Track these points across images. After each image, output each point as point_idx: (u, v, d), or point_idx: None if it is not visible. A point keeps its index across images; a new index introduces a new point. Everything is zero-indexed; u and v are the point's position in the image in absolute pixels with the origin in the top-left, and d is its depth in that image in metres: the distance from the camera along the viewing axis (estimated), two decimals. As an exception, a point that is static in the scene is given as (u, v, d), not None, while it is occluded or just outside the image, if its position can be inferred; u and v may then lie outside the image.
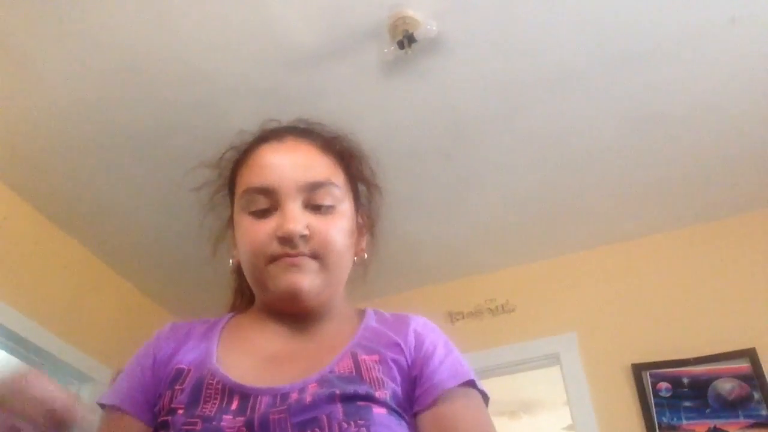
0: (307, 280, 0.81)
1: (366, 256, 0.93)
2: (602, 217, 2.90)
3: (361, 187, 0.97)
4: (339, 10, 1.95)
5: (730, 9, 1.97)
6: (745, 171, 2.63)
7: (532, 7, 1.95)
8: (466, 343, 3.28)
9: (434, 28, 1.96)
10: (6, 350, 2.55)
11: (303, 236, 0.81)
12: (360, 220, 0.93)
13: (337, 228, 0.84)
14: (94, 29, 1.98)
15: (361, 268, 0.93)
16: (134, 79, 2.15)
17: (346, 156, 0.93)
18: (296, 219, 0.81)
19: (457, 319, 3.11)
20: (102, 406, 0.83)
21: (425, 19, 1.95)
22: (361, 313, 0.90)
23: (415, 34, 1.95)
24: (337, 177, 0.88)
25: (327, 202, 0.84)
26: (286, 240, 0.80)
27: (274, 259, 0.81)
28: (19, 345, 2.49)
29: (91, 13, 1.93)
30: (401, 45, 1.97)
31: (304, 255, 0.81)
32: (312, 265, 0.81)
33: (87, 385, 2.76)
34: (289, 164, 0.85)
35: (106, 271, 3.01)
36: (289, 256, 0.80)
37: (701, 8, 1.97)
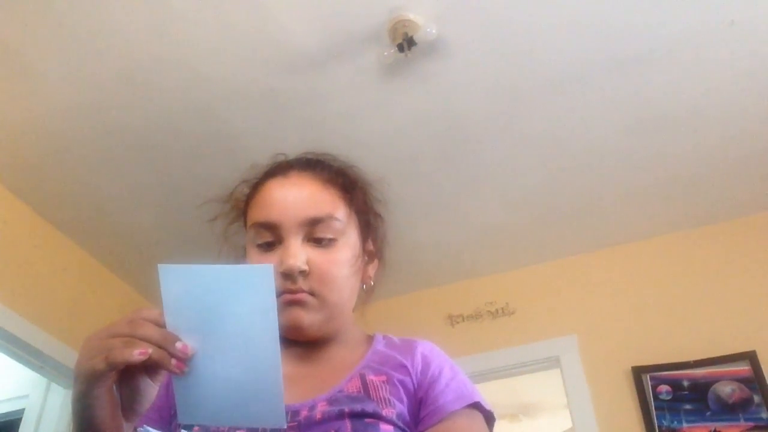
0: (307, 316, 0.84)
1: (373, 282, 0.96)
2: (602, 220, 2.90)
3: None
4: (339, 14, 1.95)
5: (729, 12, 1.98)
6: (745, 174, 2.63)
7: (532, 10, 1.96)
8: (466, 346, 3.28)
9: (434, 31, 1.96)
10: (6, 353, 2.55)
11: (302, 272, 0.83)
12: (369, 248, 0.96)
13: (337, 262, 0.87)
14: (94, 33, 1.98)
15: (367, 293, 0.96)
16: (134, 83, 2.15)
17: (351, 188, 0.94)
18: (296, 255, 0.83)
19: (457, 322, 3.11)
20: None
21: (425, 23, 1.95)
22: (370, 338, 0.93)
23: (414, 38, 1.95)
24: (339, 210, 0.90)
25: (328, 235, 0.87)
26: (287, 275, 0.83)
27: (278, 294, 0.83)
28: (18, 348, 2.49)
29: (91, 17, 1.93)
30: (401, 48, 1.97)
31: (303, 292, 0.84)
32: (312, 301, 0.84)
33: (86, 388, 2.75)
34: (291, 200, 0.88)
35: (105, 273, 3.01)
36: (290, 292, 0.83)
37: (701, 11, 1.97)
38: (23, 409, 2.81)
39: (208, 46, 2.04)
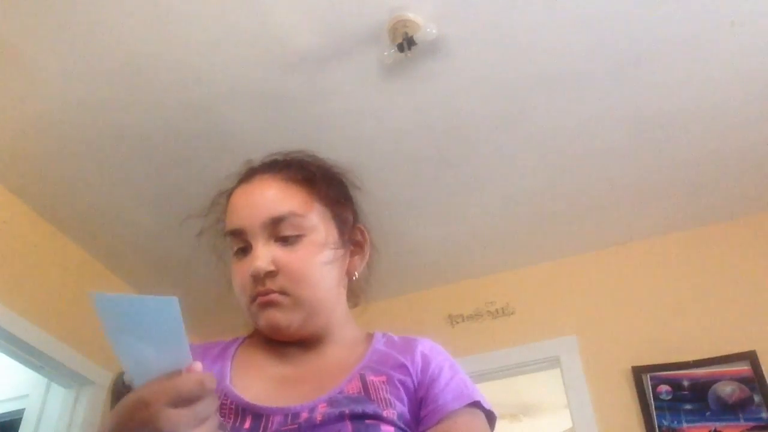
0: (283, 316, 0.85)
1: (357, 275, 0.95)
2: (602, 220, 2.90)
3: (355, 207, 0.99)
4: (339, 13, 1.95)
5: (730, 12, 1.98)
6: (745, 174, 2.64)
7: (532, 9, 1.96)
8: (466, 346, 3.27)
9: (434, 30, 1.96)
10: (6, 353, 2.55)
11: (270, 272, 0.84)
12: (348, 239, 0.94)
13: (305, 256, 0.87)
14: (94, 33, 1.98)
15: (359, 285, 0.96)
16: (134, 82, 2.15)
17: (314, 181, 0.94)
18: (260, 257, 0.85)
19: (457, 322, 3.11)
20: None
21: (425, 22, 1.95)
22: (369, 336, 0.93)
23: (414, 37, 1.95)
24: (303, 206, 0.90)
25: (293, 232, 0.87)
26: (256, 278, 0.84)
27: (254, 298, 0.86)
28: (18, 348, 2.49)
29: (91, 16, 1.93)
30: (401, 48, 1.97)
31: (274, 292, 0.84)
32: (284, 300, 0.84)
33: (86, 388, 2.75)
34: (252, 204, 0.90)
35: (105, 273, 3.00)
36: (262, 294, 0.84)
37: (701, 11, 1.97)
38: (23, 409, 2.80)
39: (208, 45, 2.04)
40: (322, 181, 0.95)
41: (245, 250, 0.88)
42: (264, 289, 0.84)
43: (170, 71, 2.11)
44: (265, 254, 0.85)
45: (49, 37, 1.99)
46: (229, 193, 0.96)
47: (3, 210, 2.52)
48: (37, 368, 2.64)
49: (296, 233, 0.87)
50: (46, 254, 2.70)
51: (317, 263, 0.87)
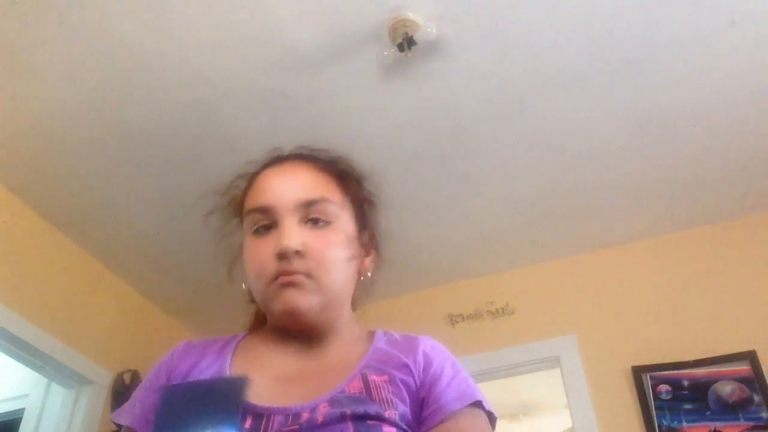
0: (304, 298, 0.83)
1: (370, 274, 0.95)
2: (602, 220, 2.90)
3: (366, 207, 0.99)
4: (339, 13, 1.95)
5: (729, 12, 1.98)
6: (745, 174, 2.63)
7: (532, 9, 1.96)
8: (467, 345, 3.27)
9: (434, 30, 1.96)
10: (5, 353, 2.55)
11: (298, 252, 0.83)
12: (365, 239, 0.95)
13: (333, 244, 0.87)
14: (94, 32, 1.98)
15: (365, 288, 0.96)
16: (134, 82, 2.15)
17: (345, 177, 0.95)
18: (291, 235, 0.84)
19: (457, 322, 3.11)
20: (117, 425, 0.86)
21: (425, 22, 1.95)
22: (371, 335, 0.92)
23: (414, 37, 1.95)
24: (334, 195, 0.91)
25: (323, 217, 0.87)
26: (283, 256, 0.83)
27: (274, 277, 0.84)
28: (18, 347, 2.49)
29: (91, 15, 1.93)
30: (401, 47, 1.97)
31: (299, 273, 0.83)
32: (308, 283, 0.83)
33: (86, 388, 2.75)
34: (286, 184, 0.89)
35: (105, 273, 3.00)
36: (286, 273, 0.83)
37: (701, 11, 1.97)
38: (23, 409, 2.80)
39: (208, 44, 2.04)
40: (353, 180, 0.96)
41: (268, 227, 0.86)
42: (290, 269, 0.82)
43: (170, 71, 2.11)
44: (295, 233, 0.84)
45: (49, 37, 1.99)
46: (251, 176, 0.96)
47: (3, 210, 2.52)
48: (37, 368, 2.64)
49: (326, 219, 0.87)
50: (46, 254, 2.70)
51: (341, 252, 0.87)
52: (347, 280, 0.90)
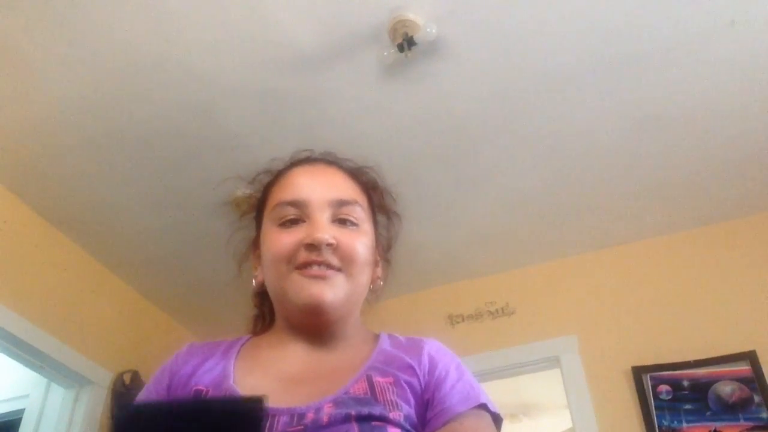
0: (330, 291, 0.84)
1: (381, 283, 0.98)
2: (602, 220, 2.90)
3: (380, 219, 1.03)
4: (339, 13, 1.95)
5: (729, 12, 1.98)
6: (744, 174, 2.63)
7: (532, 10, 1.96)
8: (467, 346, 3.27)
9: (434, 31, 1.96)
10: (6, 353, 2.55)
11: (329, 245, 0.85)
12: (380, 249, 0.99)
13: (362, 242, 0.89)
14: (94, 33, 1.98)
15: (373, 296, 0.98)
16: (134, 82, 2.15)
17: (370, 186, 0.99)
18: (325, 228, 0.86)
19: (458, 322, 3.11)
20: None
21: (425, 23, 1.95)
22: (376, 337, 0.93)
23: (414, 38, 1.95)
24: (362, 200, 0.94)
25: (352, 218, 0.90)
26: (314, 247, 0.84)
27: (300, 266, 0.85)
28: (18, 348, 2.49)
29: (91, 16, 1.93)
30: (401, 48, 1.97)
31: (329, 266, 0.85)
32: (337, 279, 0.85)
33: (86, 388, 2.76)
34: (320, 182, 0.92)
35: (105, 273, 3.01)
36: (316, 263, 0.84)
37: (701, 11, 1.97)
38: (23, 409, 2.81)
39: (208, 45, 2.04)
40: (377, 190, 1.01)
41: (295, 222, 0.88)
42: (321, 260, 0.84)
43: (171, 71, 2.11)
44: (328, 227, 0.86)
45: (49, 37, 1.99)
46: (278, 172, 0.97)
47: (3, 210, 2.52)
48: (37, 368, 2.64)
49: (354, 222, 0.90)
50: (46, 254, 2.70)
51: (368, 252, 0.90)
52: (367, 282, 0.92)
